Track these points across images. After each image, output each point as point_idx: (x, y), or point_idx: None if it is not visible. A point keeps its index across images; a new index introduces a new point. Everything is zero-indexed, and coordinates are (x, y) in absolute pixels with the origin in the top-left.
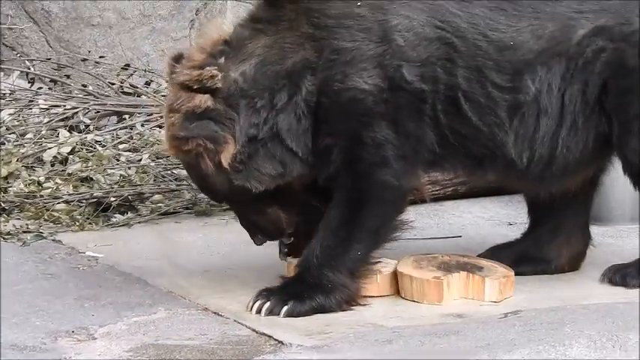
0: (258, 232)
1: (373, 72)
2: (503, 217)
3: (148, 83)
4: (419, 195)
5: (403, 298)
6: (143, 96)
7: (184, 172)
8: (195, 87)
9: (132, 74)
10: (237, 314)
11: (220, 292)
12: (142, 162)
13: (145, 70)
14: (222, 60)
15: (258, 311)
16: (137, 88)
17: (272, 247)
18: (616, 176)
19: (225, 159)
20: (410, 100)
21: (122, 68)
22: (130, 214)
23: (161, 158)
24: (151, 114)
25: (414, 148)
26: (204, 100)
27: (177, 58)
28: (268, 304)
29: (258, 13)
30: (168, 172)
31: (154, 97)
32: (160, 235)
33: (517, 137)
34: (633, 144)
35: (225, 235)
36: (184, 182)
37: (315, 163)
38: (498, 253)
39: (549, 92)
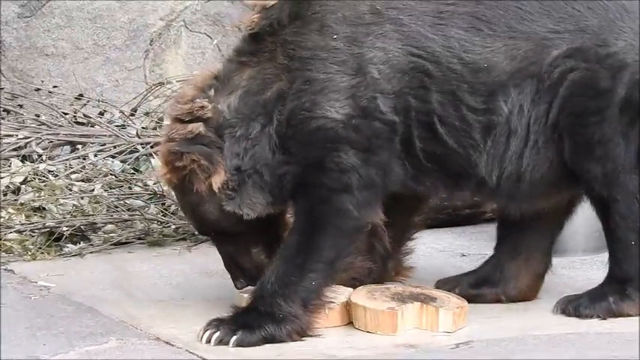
0: (241, 275)
1: (345, 102)
2: (457, 249)
3: (101, 113)
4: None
5: (357, 328)
6: (96, 126)
7: (137, 202)
8: (187, 119)
9: (85, 104)
10: (188, 344)
11: (172, 322)
12: (95, 192)
13: (99, 100)
14: (211, 92)
15: (208, 341)
16: (90, 118)
17: (225, 278)
18: None
19: (216, 183)
20: (382, 131)
21: (76, 98)
22: (82, 244)
23: (114, 188)
24: (104, 144)
25: (381, 179)
26: (196, 127)
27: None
28: (218, 333)
29: (243, 47)
30: (121, 202)
31: (108, 127)
32: (112, 265)
33: (489, 157)
34: (594, 169)
35: (178, 265)
36: (137, 212)
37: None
38: (461, 279)
39: (520, 113)
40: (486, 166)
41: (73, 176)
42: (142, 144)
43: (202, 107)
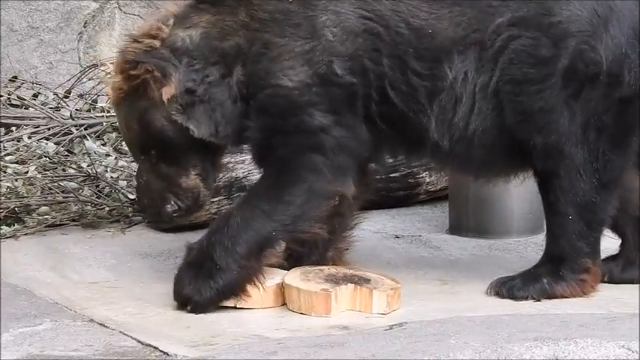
0: (173, 198)
1: (300, 69)
2: (390, 230)
3: (35, 95)
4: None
5: (290, 310)
6: (30, 108)
7: (71, 184)
8: (144, 39)
9: (19, 86)
10: (122, 325)
11: (106, 304)
12: (29, 174)
13: (33, 83)
14: (169, 22)
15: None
16: (24, 100)
17: (158, 261)
18: (503, 189)
19: (166, 94)
20: (342, 94)
21: (10, 80)
22: (16, 226)
23: (48, 170)
24: (38, 126)
25: (353, 142)
26: (151, 42)
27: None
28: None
29: None
30: (55, 184)
31: (42, 109)
32: (46, 247)
33: (437, 122)
34: (535, 139)
35: (112, 247)
36: (71, 194)
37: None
38: (609, 263)
39: (464, 80)
40: (437, 130)
41: (7, 158)
42: (75, 126)
43: (159, 28)
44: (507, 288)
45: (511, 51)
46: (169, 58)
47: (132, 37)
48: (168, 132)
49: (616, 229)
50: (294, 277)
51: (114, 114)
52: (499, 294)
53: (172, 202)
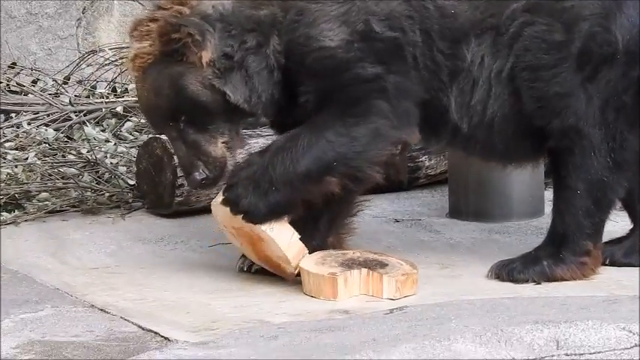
0: (201, 166)
1: (338, 29)
2: (390, 215)
3: (34, 82)
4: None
5: (304, 293)
6: (30, 94)
7: (71, 170)
8: (169, 5)
9: (18, 73)
10: (123, 311)
11: (106, 290)
12: (29, 160)
13: (32, 69)
14: None
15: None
16: (24, 86)
17: (159, 246)
18: (503, 173)
19: (205, 57)
20: (387, 47)
21: (9, 67)
22: (17, 212)
23: (48, 156)
24: (38, 112)
25: (411, 87)
26: (181, 9)
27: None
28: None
29: None
30: (55, 170)
31: (41, 95)
32: (47, 233)
33: (456, 104)
34: (553, 123)
35: (112, 232)
36: (71, 180)
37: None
38: (611, 247)
39: (481, 64)
40: (457, 112)
41: (6, 145)
42: (75, 112)
43: None
44: (507, 271)
45: (525, 38)
46: (201, 24)
47: (156, 4)
48: (202, 96)
49: (630, 212)
50: (310, 261)
51: (113, 100)
52: (499, 277)
53: (201, 170)
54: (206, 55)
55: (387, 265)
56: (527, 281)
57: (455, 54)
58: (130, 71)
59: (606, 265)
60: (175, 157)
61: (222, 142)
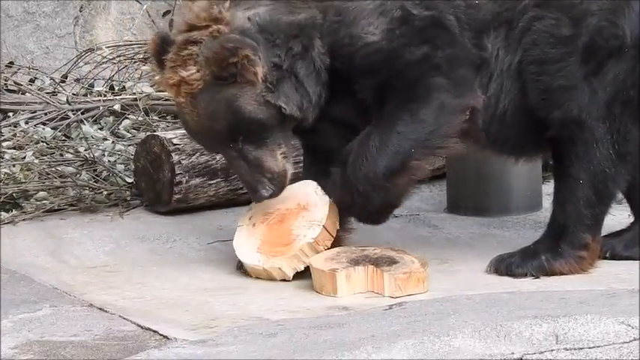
0: (266, 182)
1: (377, 22)
2: None
3: (32, 81)
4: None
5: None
6: (27, 93)
7: (69, 169)
8: (204, 24)
9: (16, 72)
10: (122, 310)
11: (105, 288)
12: (27, 159)
13: (29, 68)
14: (226, 4)
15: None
16: (21, 85)
17: (157, 244)
18: (501, 167)
19: (259, 73)
20: (426, 23)
21: (6, 66)
22: (14, 212)
23: (45, 155)
24: (35, 111)
25: (464, 54)
26: (219, 28)
27: (160, 36)
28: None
29: None
30: (53, 169)
31: (38, 94)
32: (45, 232)
33: None
34: (556, 115)
35: (110, 231)
36: (69, 179)
37: (353, 121)
38: (611, 240)
39: (497, 57)
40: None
41: (4, 144)
42: (72, 110)
43: (220, 12)
44: (506, 265)
45: (534, 32)
46: (253, 42)
47: (190, 25)
48: (259, 114)
49: (632, 205)
50: (322, 256)
51: (110, 98)
52: (498, 271)
53: (267, 187)
54: (260, 72)
55: (397, 262)
56: (525, 275)
57: (479, 44)
58: (171, 96)
59: (607, 258)
60: (237, 174)
61: (281, 154)
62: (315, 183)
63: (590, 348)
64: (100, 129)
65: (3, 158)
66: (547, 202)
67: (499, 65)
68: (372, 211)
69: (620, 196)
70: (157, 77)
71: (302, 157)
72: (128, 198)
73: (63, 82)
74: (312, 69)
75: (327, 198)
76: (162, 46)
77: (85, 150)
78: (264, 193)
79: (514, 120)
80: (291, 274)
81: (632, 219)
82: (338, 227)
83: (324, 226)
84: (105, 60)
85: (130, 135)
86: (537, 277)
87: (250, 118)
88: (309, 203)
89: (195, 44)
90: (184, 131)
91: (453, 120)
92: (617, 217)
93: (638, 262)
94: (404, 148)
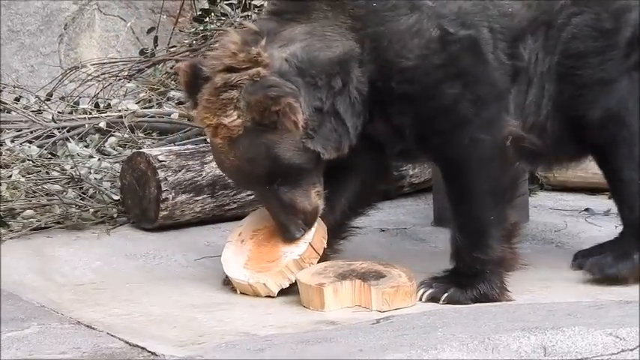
0: (300, 224)
1: (411, 44)
2: (375, 224)
3: (17, 99)
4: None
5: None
6: (13, 112)
7: (55, 187)
8: (244, 66)
9: (1, 90)
10: (109, 327)
11: (92, 306)
12: (13, 178)
13: (14, 86)
14: (262, 43)
15: (421, 298)
16: (6, 104)
17: (144, 261)
18: None
19: (300, 121)
20: (463, 48)
21: None
22: (1, 230)
23: (32, 173)
24: (21, 129)
25: (489, 90)
26: (260, 71)
27: (192, 66)
28: (430, 290)
29: (281, 7)
30: (39, 187)
31: (24, 112)
32: (32, 250)
33: (514, 105)
34: (595, 111)
35: (97, 248)
36: (55, 197)
37: (384, 141)
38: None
39: (536, 62)
40: (514, 115)
41: None
42: (58, 128)
43: (259, 54)
44: (599, 266)
45: (573, 26)
46: (283, 84)
47: (227, 67)
48: (298, 160)
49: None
50: (309, 270)
51: (96, 115)
52: (592, 272)
53: (300, 228)
54: (300, 120)
55: (384, 276)
56: (617, 277)
57: (514, 54)
58: (208, 136)
59: None
60: (270, 213)
61: (315, 192)
62: None
63: None
64: (86, 147)
65: None
66: (533, 215)
67: (539, 68)
68: (493, 256)
69: (607, 207)
70: (189, 107)
71: None
72: (115, 215)
73: (48, 100)
74: (348, 102)
75: None
76: (194, 77)
77: (71, 168)
78: (296, 234)
79: (554, 125)
80: (276, 291)
81: (619, 230)
82: (325, 246)
83: (310, 243)
84: (90, 77)
85: (115, 152)
86: (627, 279)
87: (289, 164)
88: None
89: (235, 88)
90: (169, 148)
91: (503, 161)
92: (604, 229)
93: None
94: (486, 221)
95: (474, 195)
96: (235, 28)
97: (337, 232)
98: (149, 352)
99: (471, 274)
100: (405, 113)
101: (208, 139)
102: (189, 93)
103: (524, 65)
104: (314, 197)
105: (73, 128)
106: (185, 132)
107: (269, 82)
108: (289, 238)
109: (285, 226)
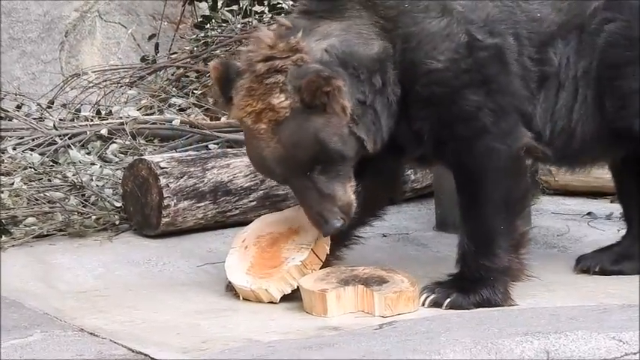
0: (338, 212)
1: (442, 47)
2: (377, 229)
3: (19, 107)
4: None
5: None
6: (14, 119)
7: (57, 194)
8: (284, 55)
9: (2, 98)
10: (112, 334)
11: (95, 313)
12: (15, 185)
13: (16, 94)
14: (299, 35)
15: (423, 303)
16: (8, 112)
17: (146, 268)
18: None
19: (347, 107)
20: (490, 56)
21: None
22: (3, 238)
23: (33, 181)
24: (23, 137)
25: (509, 102)
26: (302, 57)
27: (224, 63)
28: (433, 296)
29: (313, 7)
30: (41, 194)
31: (25, 120)
32: (34, 258)
33: (542, 110)
34: (634, 123)
35: (100, 255)
36: (57, 204)
37: (404, 145)
38: (600, 255)
39: (567, 65)
40: (541, 120)
41: None
42: (59, 136)
43: (298, 42)
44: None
45: (607, 34)
46: (343, 73)
47: (268, 56)
48: (343, 146)
49: (628, 215)
50: (312, 276)
51: (97, 123)
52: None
53: (339, 217)
54: (348, 105)
55: (387, 282)
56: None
57: (542, 59)
58: (246, 123)
59: (596, 273)
60: (302, 206)
61: (350, 186)
62: None
63: None
64: (88, 154)
65: None
66: (536, 219)
67: (570, 73)
68: (505, 263)
69: (609, 211)
70: (221, 105)
71: None
72: (117, 222)
73: (50, 107)
74: (386, 103)
75: None
76: (227, 73)
77: (73, 175)
78: (336, 223)
79: (584, 129)
80: (278, 297)
81: (621, 234)
82: (328, 252)
83: (312, 249)
84: (91, 85)
85: (117, 159)
86: None
87: (334, 149)
88: (300, 227)
89: (280, 72)
90: (171, 155)
91: (516, 173)
92: (607, 233)
93: (627, 276)
94: (496, 232)
95: (486, 204)
96: (267, 24)
97: (341, 240)
98: (152, 358)
99: (475, 280)
100: (426, 118)
101: (246, 130)
102: (223, 89)
103: (554, 70)
104: (349, 190)
105: (74, 135)
106: (187, 138)
107: (316, 66)
108: (328, 229)
109: (324, 217)
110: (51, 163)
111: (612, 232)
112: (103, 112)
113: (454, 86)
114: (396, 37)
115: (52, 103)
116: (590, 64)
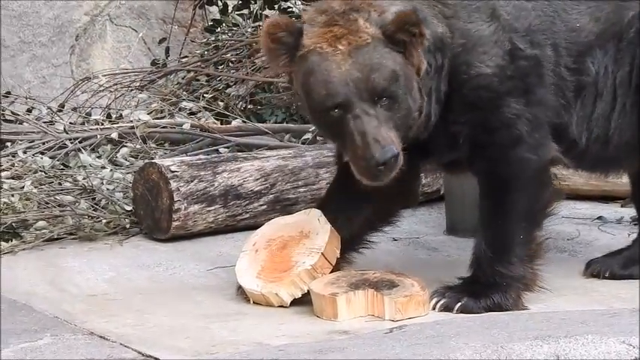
0: (394, 141)
1: (492, 53)
2: (387, 234)
3: (29, 110)
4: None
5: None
6: (25, 123)
7: (68, 198)
8: (365, 9)
9: (13, 101)
10: (122, 337)
11: (105, 316)
12: (25, 189)
13: (26, 97)
14: None
15: (434, 307)
16: (18, 115)
17: (157, 271)
18: None
19: (423, 67)
20: (530, 66)
21: (3, 96)
22: (14, 241)
23: (44, 184)
24: (33, 141)
25: (544, 114)
26: (382, 4)
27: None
28: (443, 300)
29: None
30: (52, 198)
31: (36, 123)
32: (44, 262)
33: (579, 118)
34: None
35: (110, 259)
36: (68, 208)
37: (432, 147)
38: (610, 259)
39: (605, 74)
40: (577, 128)
41: (2, 174)
42: (70, 139)
43: (371, 2)
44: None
45: None
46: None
47: (342, 3)
48: (410, 87)
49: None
50: (322, 280)
51: (108, 126)
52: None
53: (394, 148)
54: (424, 63)
55: (397, 286)
56: None
57: (579, 68)
58: (325, 47)
59: (606, 277)
60: (354, 136)
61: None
62: (319, 211)
63: None
64: (98, 157)
65: (2, 188)
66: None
67: (609, 82)
68: (519, 272)
69: (620, 215)
70: (278, 64)
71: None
72: (127, 226)
73: (60, 111)
74: (435, 86)
75: (328, 226)
76: (292, 25)
77: (84, 179)
78: (393, 149)
79: (621, 137)
80: (288, 300)
81: (632, 238)
82: (338, 256)
83: (322, 253)
84: (102, 88)
85: (127, 163)
86: None
87: (404, 84)
88: (311, 231)
89: (359, 12)
90: (181, 159)
91: (543, 184)
92: (617, 237)
93: (637, 281)
94: (516, 238)
95: (510, 212)
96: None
97: (352, 245)
98: None
99: (488, 285)
100: (467, 122)
101: (316, 56)
102: (285, 46)
103: (591, 80)
104: (400, 145)
105: (85, 139)
106: (197, 142)
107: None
108: (384, 153)
109: (380, 142)
110: (61, 167)
111: (623, 236)
112: (114, 116)
113: (500, 92)
114: (455, 28)
115: (63, 107)
116: (630, 73)
